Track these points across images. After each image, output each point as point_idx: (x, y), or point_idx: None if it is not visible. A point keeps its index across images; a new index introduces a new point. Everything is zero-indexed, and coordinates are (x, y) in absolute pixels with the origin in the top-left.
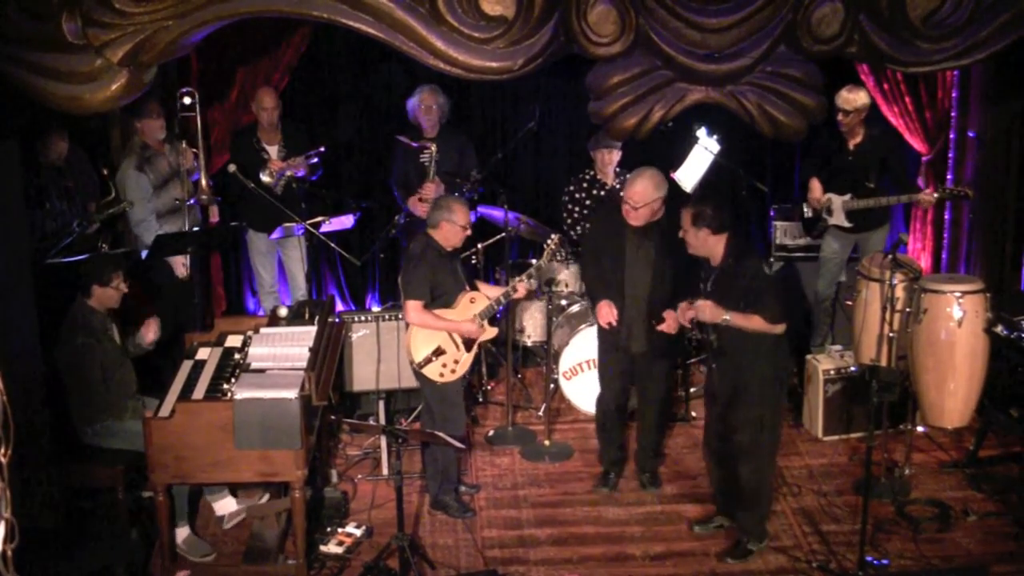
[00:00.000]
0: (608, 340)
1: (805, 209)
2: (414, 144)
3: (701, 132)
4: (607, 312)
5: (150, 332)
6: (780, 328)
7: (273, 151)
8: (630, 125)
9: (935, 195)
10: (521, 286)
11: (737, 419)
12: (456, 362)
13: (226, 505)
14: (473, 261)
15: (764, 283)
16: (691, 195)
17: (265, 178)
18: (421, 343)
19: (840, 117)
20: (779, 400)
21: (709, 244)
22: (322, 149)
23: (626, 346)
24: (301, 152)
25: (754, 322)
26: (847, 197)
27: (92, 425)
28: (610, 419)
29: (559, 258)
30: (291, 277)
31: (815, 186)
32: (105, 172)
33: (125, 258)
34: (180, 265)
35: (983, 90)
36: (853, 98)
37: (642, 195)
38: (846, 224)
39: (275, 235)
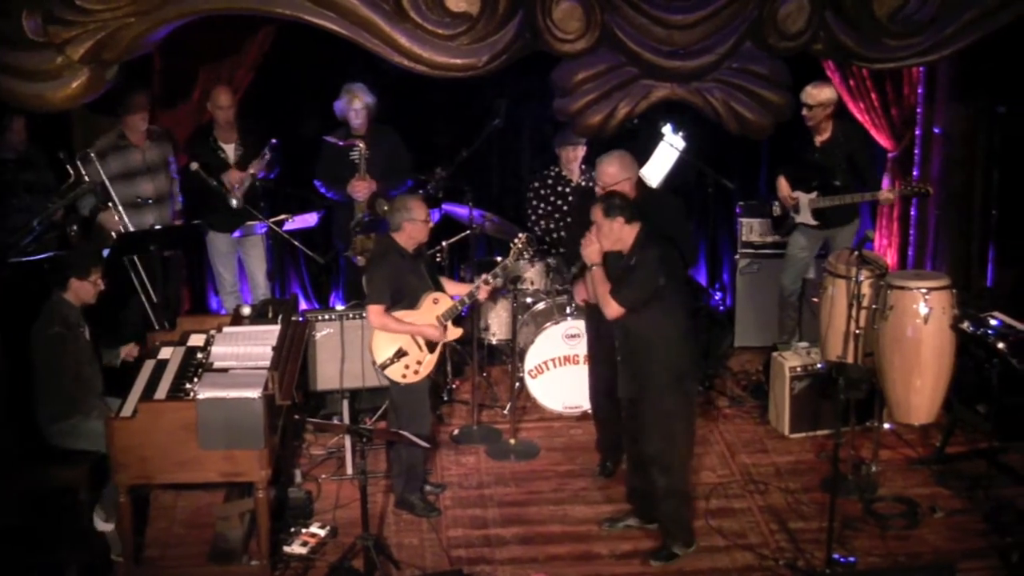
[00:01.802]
0: (594, 325)
1: (774, 207)
2: (341, 143)
3: (667, 129)
4: (581, 290)
5: (133, 352)
6: (612, 308)
7: (230, 150)
8: (596, 122)
9: (894, 192)
10: (484, 289)
11: (645, 425)
12: (419, 363)
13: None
14: (438, 259)
15: (645, 271)
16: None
17: (233, 202)
18: (384, 344)
19: (805, 112)
20: (685, 408)
21: (623, 234)
22: (274, 142)
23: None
24: (258, 150)
25: (603, 288)
26: (813, 195)
27: (59, 423)
28: (602, 405)
29: (526, 257)
30: (251, 276)
31: (782, 184)
32: (62, 155)
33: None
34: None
35: (949, 87)
36: (817, 93)
37: (612, 176)
38: (812, 222)
39: (236, 234)
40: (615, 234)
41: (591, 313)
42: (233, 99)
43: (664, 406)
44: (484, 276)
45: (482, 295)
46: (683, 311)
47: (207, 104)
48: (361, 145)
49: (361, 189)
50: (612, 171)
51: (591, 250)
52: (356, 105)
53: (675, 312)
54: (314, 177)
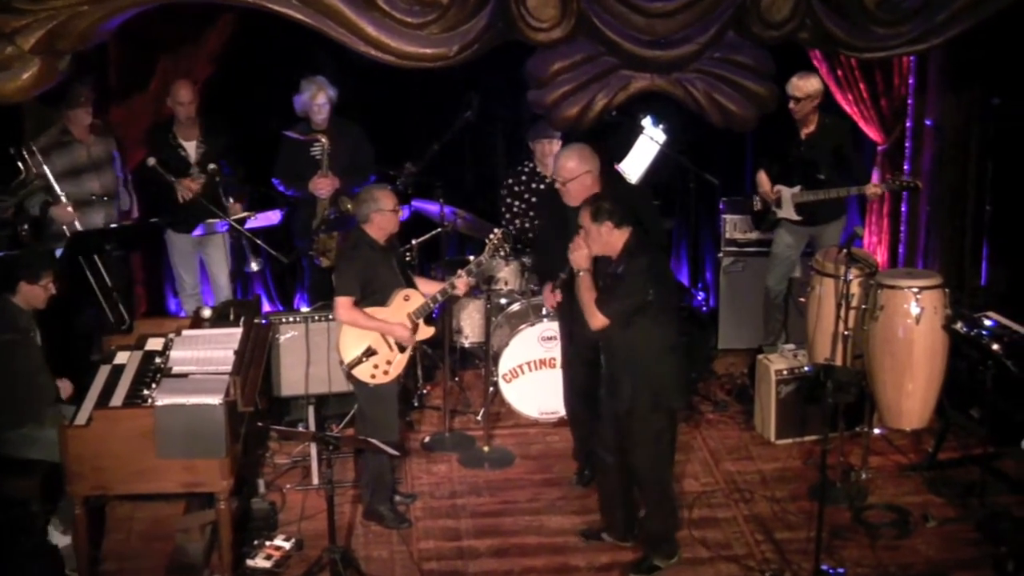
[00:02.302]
0: (568, 328)
1: (755, 202)
2: (302, 138)
3: (647, 122)
4: (549, 296)
5: (68, 390)
6: (597, 319)
7: (191, 147)
8: (572, 114)
9: (881, 187)
10: (461, 282)
11: (630, 441)
12: (389, 363)
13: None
14: (408, 258)
15: (632, 282)
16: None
17: (198, 231)
18: (352, 342)
19: (792, 105)
20: (670, 423)
21: (612, 239)
22: (226, 171)
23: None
24: (220, 147)
25: (588, 295)
26: (796, 189)
27: (11, 431)
28: (578, 411)
29: (502, 254)
30: (213, 279)
31: (763, 178)
32: (12, 151)
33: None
34: None
35: (941, 77)
36: (804, 84)
37: (571, 170)
38: (795, 217)
39: (197, 232)
40: (603, 239)
41: (564, 315)
42: (195, 94)
43: (649, 423)
44: (459, 272)
45: (460, 288)
46: (671, 324)
47: (167, 100)
48: (324, 140)
49: (324, 186)
50: (571, 165)
51: (579, 255)
52: (319, 99)
53: (663, 326)
54: (272, 175)
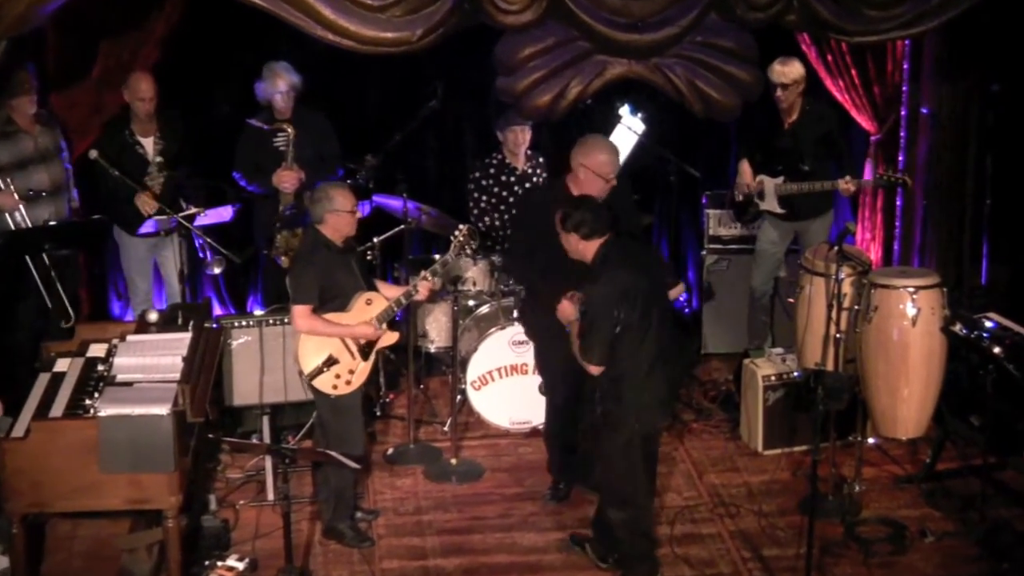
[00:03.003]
0: (550, 328)
1: (735, 193)
2: (266, 127)
3: (624, 111)
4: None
5: None
6: (593, 369)
7: (148, 144)
8: (543, 103)
9: (854, 184)
10: (424, 286)
11: (603, 457)
12: (351, 372)
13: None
14: (369, 257)
15: (595, 313)
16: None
17: (147, 228)
18: (311, 351)
19: (779, 93)
20: (650, 440)
21: (581, 248)
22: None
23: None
24: (178, 143)
25: (577, 346)
26: (779, 180)
27: None
28: (556, 419)
29: (467, 252)
30: (168, 282)
31: (744, 169)
32: None
33: None
34: None
35: (937, 63)
36: (789, 70)
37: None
38: (778, 210)
39: (148, 228)
40: (572, 246)
41: (544, 330)
42: (156, 87)
43: (619, 435)
44: (421, 274)
45: (422, 293)
46: (653, 340)
47: (124, 93)
48: (289, 130)
49: (289, 180)
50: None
51: (563, 309)
52: (281, 86)
53: (644, 343)
54: (232, 167)
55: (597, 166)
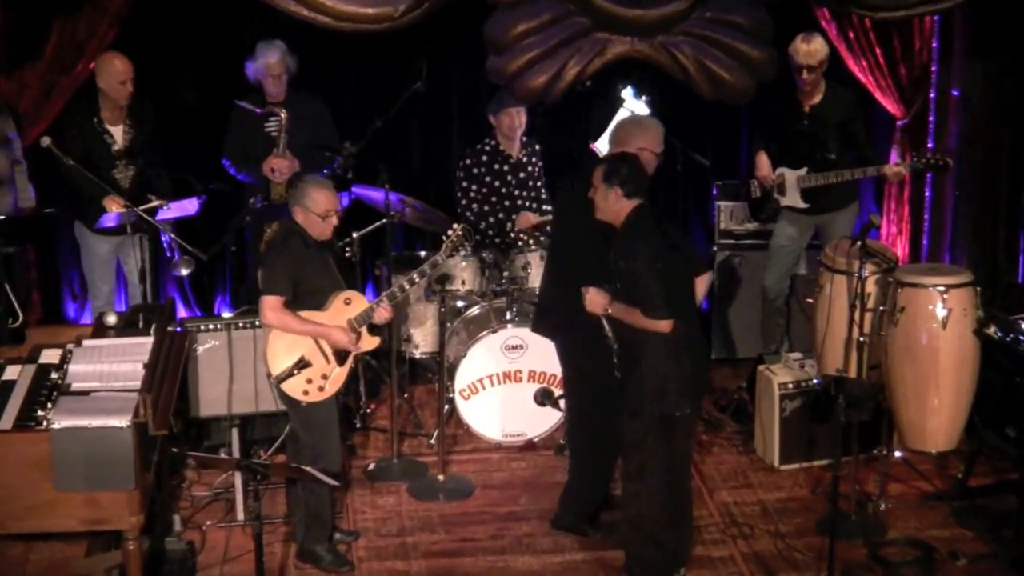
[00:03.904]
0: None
1: (752, 188)
2: (258, 110)
3: (626, 93)
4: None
5: None
6: (664, 325)
7: (117, 133)
8: (538, 85)
9: (904, 167)
10: (382, 311)
11: (624, 445)
12: (325, 377)
13: None
14: (348, 254)
15: (637, 267)
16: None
17: (109, 223)
18: (281, 351)
19: (804, 75)
20: (663, 433)
21: (618, 207)
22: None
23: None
24: (148, 132)
25: (635, 317)
26: (802, 172)
27: None
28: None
29: (462, 253)
30: (132, 286)
31: (762, 161)
32: None
33: None
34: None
35: (969, 40)
36: (814, 50)
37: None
38: (801, 204)
39: (109, 223)
40: (609, 204)
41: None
42: (132, 69)
43: (637, 428)
44: (397, 283)
45: (377, 317)
46: (681, 319)
47: (97, 79)
48: (282, 115)
49: (281, 168)
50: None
51: (592, 299)
52: (275, 69)
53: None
54: (222, 154)
55: (657, 145)
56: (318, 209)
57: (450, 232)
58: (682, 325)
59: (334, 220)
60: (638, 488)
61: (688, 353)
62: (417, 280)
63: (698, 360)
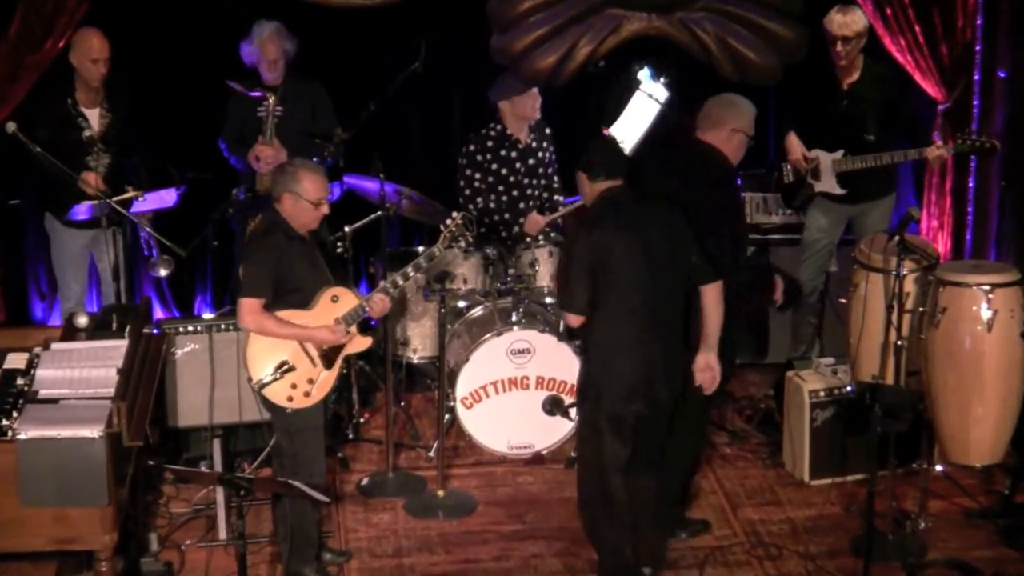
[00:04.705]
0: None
1: (785, 173)
2: (249, 93)
3: (643, 75)
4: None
5: None
6: (571, 318)
7: (93, 117)
8: (546, 66)
9: (946, 150)
10: (377, 301)
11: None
12: (311, 382)
13: None
14: (340, 249)
15: (568, 260)
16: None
17: (81, 215)
18: (263, 355)
19: (838, 48)
20: (593, 440)
21: (587, 192)
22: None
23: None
24: (124, 116)
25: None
26: (839, 154)
27: None
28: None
29: (462, 245)
30: (105, 284)
31: (793, 143)
32: None
33: None
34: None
35: (1017, 16)
36: (851, 21)
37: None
38: (837, 191)
39: (82, 214)
40: (581, 189)
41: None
42: (108, 49)
43: (590, 413)
44: (382, 284)
45: (372, 310)
46: (641, 312)
47: (70, 57)
48: (271, 100)
49: (265, 157)
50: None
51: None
52: (271, 52)
53: (625, 312)
54: (219, 135)
55: (750, 127)
56: (310, 196)
57: (448, 221)
58: (625, 325)
59: (325, 209)
60: (580, 478)
61: (627, 355)
62: (412, 274)
63: (644, 363)
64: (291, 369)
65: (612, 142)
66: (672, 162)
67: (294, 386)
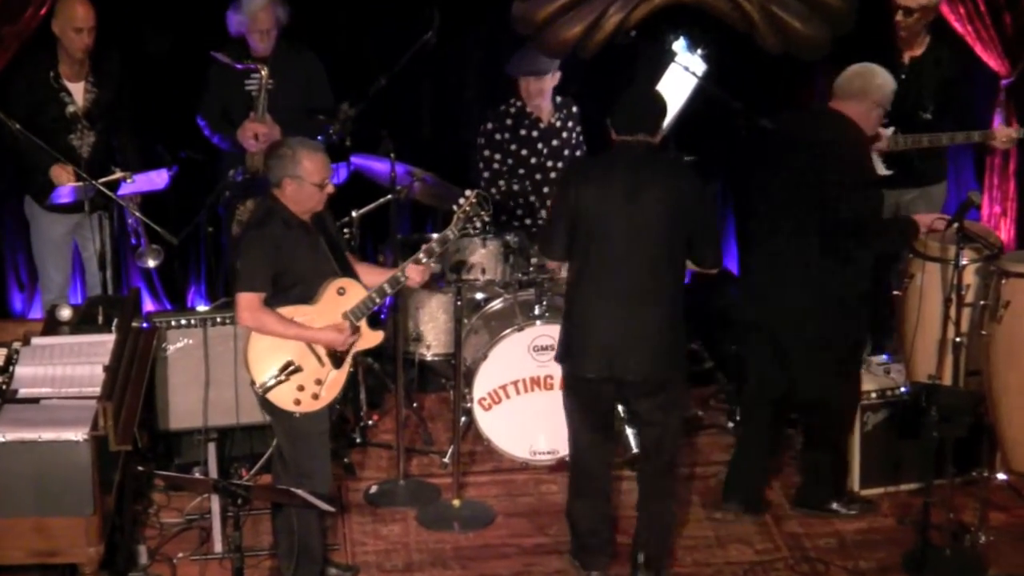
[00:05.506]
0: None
1: None
2: (238, 65)
3: (678, 46)
4: None
5: None
6: (551, 263)
7: (78, 92)
8: (572, 36)
9: (1018, 132)
10: (414, 270)
11: None
12: (319, 383)
13: None
14: (346, 235)
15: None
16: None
17: (63, 198)
18: (265, 355)
19: (899, 18)
20: (567, 399)
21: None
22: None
23: None
24: (113, 90)
25: None
26: (891, 131)
27: None
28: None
29: (477, 226)
30: (90, 274)
31: None
32: None
33: None
34: None
35: None
36: None
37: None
38: (883, 171)
39: (64, 198)
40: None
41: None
42: (93, 19)
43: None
44: (414, 256)
45: (412, 279)
46: (620, 271)
47: (54, 26)
48: (263, 72)
49: (259, 134)
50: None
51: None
52: (263, 22)
53: (599, 268)
54: (197, 112)
55: (889, 102)
56: (313, 178)
57: (462, 200)
58: (590, 283)
59: (330, 189)
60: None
61: (580, 313)
62: (423, 260)
63: (596, 325)
64: (297, 370)
65: (646, 97)
66: (801, 130)
67: (301, 388)
